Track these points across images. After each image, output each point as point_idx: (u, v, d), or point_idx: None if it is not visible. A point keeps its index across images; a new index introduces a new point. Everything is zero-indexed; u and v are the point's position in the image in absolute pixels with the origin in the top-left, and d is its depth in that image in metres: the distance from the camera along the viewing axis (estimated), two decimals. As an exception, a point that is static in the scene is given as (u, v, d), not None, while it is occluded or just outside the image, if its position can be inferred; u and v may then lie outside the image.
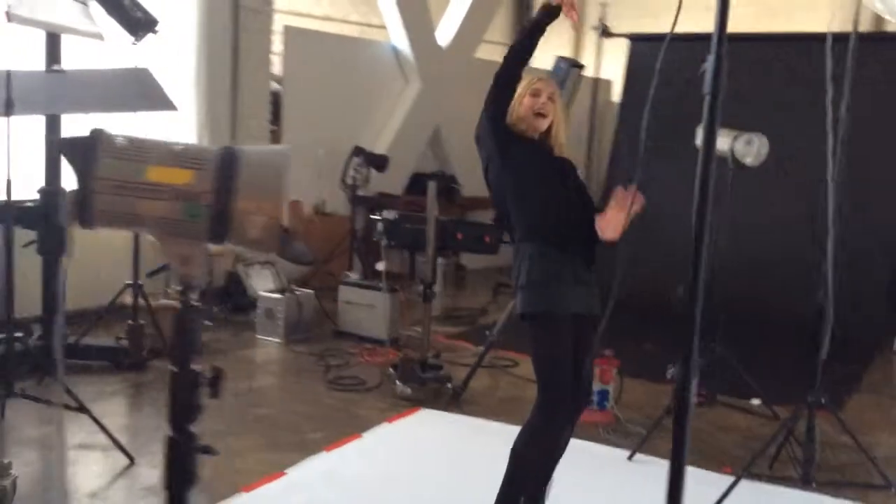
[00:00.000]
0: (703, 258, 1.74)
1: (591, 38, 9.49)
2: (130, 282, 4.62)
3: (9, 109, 3.34)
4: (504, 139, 2.93)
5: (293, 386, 4.94)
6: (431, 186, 4.60)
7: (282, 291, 5.72)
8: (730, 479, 3.54)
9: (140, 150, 1.15)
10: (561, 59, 7.25)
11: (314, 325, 5.88)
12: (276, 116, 7.25)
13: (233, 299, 6.13)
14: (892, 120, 6.50)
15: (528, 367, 3.43)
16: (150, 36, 3.89)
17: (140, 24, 3.76)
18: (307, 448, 3.87)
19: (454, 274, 7.86)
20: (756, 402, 4.73)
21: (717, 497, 3.43)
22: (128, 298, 4.81)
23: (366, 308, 5.65)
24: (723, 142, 4.06)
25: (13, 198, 4.94)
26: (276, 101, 7.24)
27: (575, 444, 4.06)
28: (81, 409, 3.61)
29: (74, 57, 4.75)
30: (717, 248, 4.16)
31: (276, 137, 7.26)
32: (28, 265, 4.90)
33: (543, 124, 2.96)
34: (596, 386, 4.55)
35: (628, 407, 4.63)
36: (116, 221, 1.18)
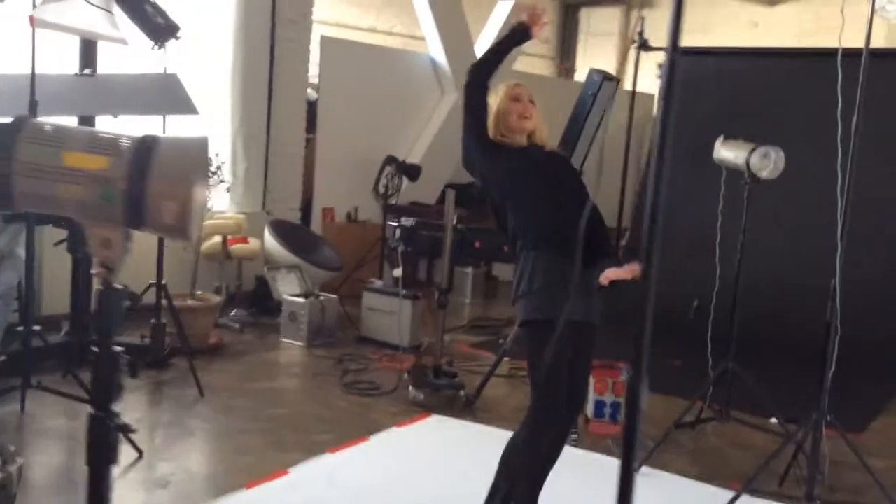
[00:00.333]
0: (656, 246, 1.75)
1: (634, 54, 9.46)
2: (154, 282, 4.74)
3: (33, 111, 3.47)
4: (495, 154, 2.95)
5: (309, 388, 5.00)
6: (450, 194, 4.65)
7: (306, 296, 5.80)
8: (744, 498, 3.49)
9: (59, 137, 1.20)
10: (594, 71, 7.25)
11: (338, 330, 5.95)
12: (312, 125, 7.37)
13: (260, 303, 6.24)
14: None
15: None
16: (173, 41, 4.01)
17: (161, 30, 3.88)
18: (314, 449, 3.92)
19: (484, 284, 7.86)
20: (775, 420, 4.65)
21: (717, 512, 3.39)
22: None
23: (388, 314, 5.70)
24: (739, 155, 4.02)
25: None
26: (312, 109, 7.37)
27: (581, 455, 4.09)
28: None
29: (120, 62, 4.90)
30: (738, 262, 4.13)
31: (311, 146, 7.38)
32: (58, 263, 5.08)
33: (530, 125, 2.98)
34: (608, 398, 4.53)
35: (645, 421, 4.57)
36: (36, 204, 1.23)
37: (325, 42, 7.38)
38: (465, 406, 4.67)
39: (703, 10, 10.87)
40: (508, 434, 3.98)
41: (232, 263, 6.25)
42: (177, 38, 4.00)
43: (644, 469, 3.95)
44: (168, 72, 4.43)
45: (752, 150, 3.99)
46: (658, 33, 9.07)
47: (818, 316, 3.45)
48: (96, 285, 1.33)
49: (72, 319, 5.01)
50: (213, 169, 5.57)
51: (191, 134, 1.30)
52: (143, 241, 4.82)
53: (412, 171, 7.34)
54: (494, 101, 2.98)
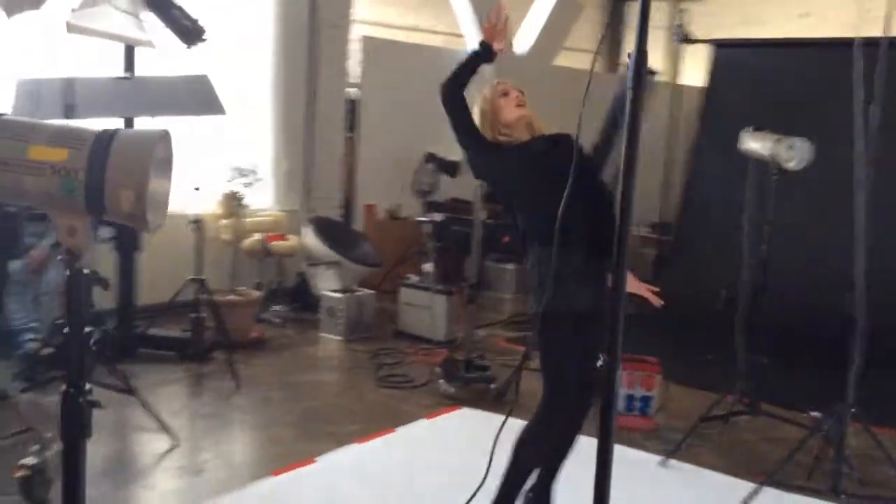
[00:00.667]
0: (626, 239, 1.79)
1: (689, 47, 9.35)
2: (193, 277, 4.89)
3: (69, 113, 3.64)
4: (496, 155, 2.96)
5: (344, 381, 5.11)
6: (477, 189, 4.69)
7: (344, 291, 5.91)
8: (767, 490, 3.47)
9: (25, 131, 1.29)
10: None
11: (375, 325, 6.05)
12: (353, 123, 7.49)
13: (301, 299, 6.37)
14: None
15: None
16: (202, 44, 4.14)
17: (189, 33, 4.02)
18: (343, 440, 4.01)
19: (525, 279, 7.88)
20: (816, 413, 4.58)
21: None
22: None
23: (423, 309, 5.77)
24: (765, 146, 3.98)
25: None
26: (353, 108, 7.49)
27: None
28: (130, 391, 3.87)
29: (166, 64, 5.04)
30: (765, 253, 4.09)
31: (351, 144, 7.50)
32: (106, 260, 5.27)
33: (526, 112, 2.99)
34: (638, 392, 4.53)
35: (676, 415, 4.57)
36: (6, 195, 1.32)
37: (366, 42, 7.49)
38: (495, 399, 4.71)
39: (755, 2, 10.72)
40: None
41: (273, 260, 6.40)
42: (204, 40, 4.13)
43: (671, 462, 3.95)
44: (200, 73, 4.57)
45: (778, 141, 3.95)
46: (704, 26, 8.99)
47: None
48: (67, 272, 1.41)
49: (119, 314, 5.20)
50: (249, 168, 5.71)
51: (151, 129, 1.37)
52: (183, 239, 5.02)
53: (452, 168, 7.39)
54: (483, 104, 3.00)
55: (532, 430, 2.95)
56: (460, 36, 8.53)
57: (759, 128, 4.12)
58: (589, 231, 2.90)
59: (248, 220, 6.10)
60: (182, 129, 5.01)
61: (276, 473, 3.59)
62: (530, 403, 4.71)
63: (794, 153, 3.88)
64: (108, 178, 1.25)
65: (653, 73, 7.47)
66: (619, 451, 4.17)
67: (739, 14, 10.90)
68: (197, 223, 4.83)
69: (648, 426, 4.46)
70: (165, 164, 1.38)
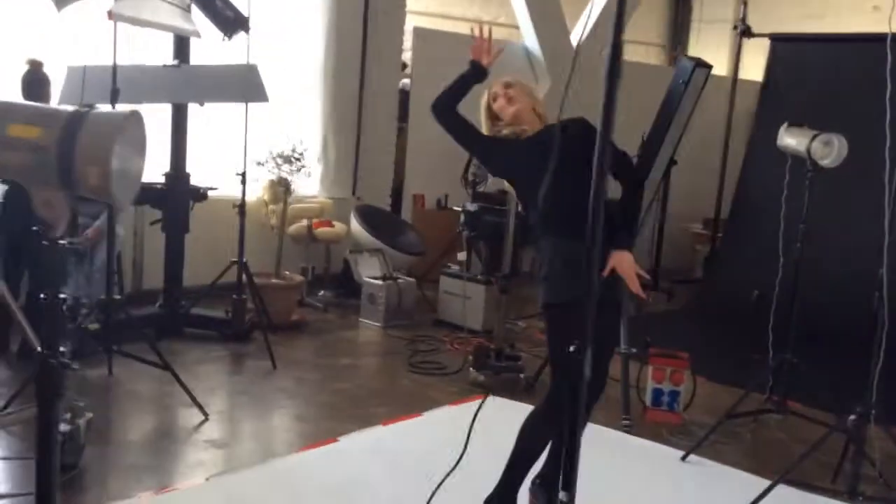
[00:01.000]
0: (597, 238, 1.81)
1: (753, 42, 9.17)
2: (235, 259, 5.05)
3: (113, 98, 3.80)
4: (507, 151, 3.01)
5: (378, 366, 5.21)
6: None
7: (385, 279, 6.01)
8: (785, 489, 3.44)
9: (5, 111, 1.40)
10: (685, 58, 7.12)
11: (415, 313, 6.13)
12: (405, 114, 7.58)
13: (346, 284, 6.50)
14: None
15: (615, 365, 3.53)
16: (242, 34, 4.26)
17: (231, 23, 4.14)
18: (370, 421, 4.10)
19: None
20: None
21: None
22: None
23: (462, 298, 5.83)
24: (800, 142, 3.91)
25: (143, 180, 5.55)
26: (406, 98, 7.57)
27: (629, 442, 4.10)
28: (165, 367, 4.03)
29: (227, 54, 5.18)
30: (799, 251, 4.02)
31: (403, 134, 7.59)
32: (158, 241, 5.48)
33: (513, 108, 3.02)
34: (666, 387, 4.51)
35: (706, 411, 4.54)
36: None
37: (418, 33, 7.56)
38: (525, 389, 4.75)
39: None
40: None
41: (319, 246, 6.53)
42: (246, 30, 4.26)
43: (692, 458, 3.93)
44: (250, 63, 4.70)
45: (814, 137, 3.88)
46: (768, 20, 8.79)
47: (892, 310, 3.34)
48: (43, 241, 1.50)
49: (165, 294, 5.40)
50: (296, 155, 5.84)
51: (121, 111, 1.46)
52: (229, 222, 5.18)
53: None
54: (484, 112, 3.10)
55: (538, 415, 2.98)
56: (512, 27, 8.54)
57: (796, 123, 4.05)
58: (582, 218, 2.91)
59: (294, 206, 6.24)
60: (230, 115, 5.22)
61: (300, 450, 3.70)
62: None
63: (829, 150, 3.81)
64: (76, 156, 1.34)
65: (705, 66, 7.32)
66: (641, 445, 4.21)
67: (804, 8, 10.65)
68: (240, 207, 4.97)
69: (676, 421, 4.44)
70: (137, 144, 1.47)
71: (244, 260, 5.07)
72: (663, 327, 6.44)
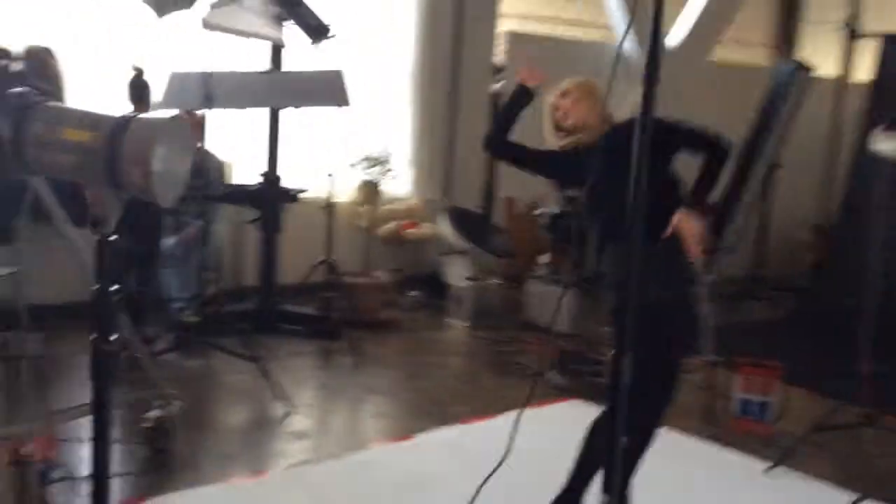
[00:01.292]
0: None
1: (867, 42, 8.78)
2: (323, 259, 5.21)
3: (208, 103, 3.99)
4: (576, 162, 2.93)
5: (460, 366, 5.26)
6: (589, 180, 4.68)
7: (472, 280, 6.06)
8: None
9: (58, 115, 1.52)
10: (784, 60, 6.90)
11: (503, 314, 6.15)
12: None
13: (435, 285, 6.58)
14: None
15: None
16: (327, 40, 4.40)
17: (315, 30, 4.28)
18: (447, 420, 4.16)
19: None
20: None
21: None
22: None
23: (548, 300, 5.81)
24: (890, 144, 3.75)
25: (240, 182, 5.79)
26: (498, 102, 7.61)
27: (712, 452, 4.01)
28: (253, 359, 4.19)
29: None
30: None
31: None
32: (249, 240, 5.69)
33: (570, 122, 2.97)
34: (755, 397, 4.38)
35: (801, 423, 4.37)
36: (45, 169, 1.54)
37: (511, 37, 7.58)
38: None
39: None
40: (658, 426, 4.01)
41: (410, 247, 6.64)
42: (330, 37, 4.39)
43: (777, 470, 3.81)
44: (336, 68, 4.84)
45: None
46: (883, 20, 8.40)
47: None
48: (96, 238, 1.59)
49: (261, 291, 5.61)
50: (383, 157, 5.97)
51: (164, 116, 1.56)
52: (319, 223, 5.34)
53: (592, 163, 7.37)
54: (546, 122, 3.04)
55: (599, 420, 2.96)
56: (609, 28, 8.44)
57: (892, 126, 3.88)
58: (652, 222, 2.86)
59: (385, 207, 6.37)
60: (324, 119, 5.39)
61: (373, 446, 3.79)
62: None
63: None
64: (121, 157, 1.45)
65: (806, 68, 7.10)
66: (725, 456, 4.11)
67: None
68: (329, 208, 5.12)
69: (765, 432, 4.30)
70: (182, 146, 1.56)
71: (333, 259, 5.22)
72: (764, 336, 6.29)
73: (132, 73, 4.77)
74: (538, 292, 6.00)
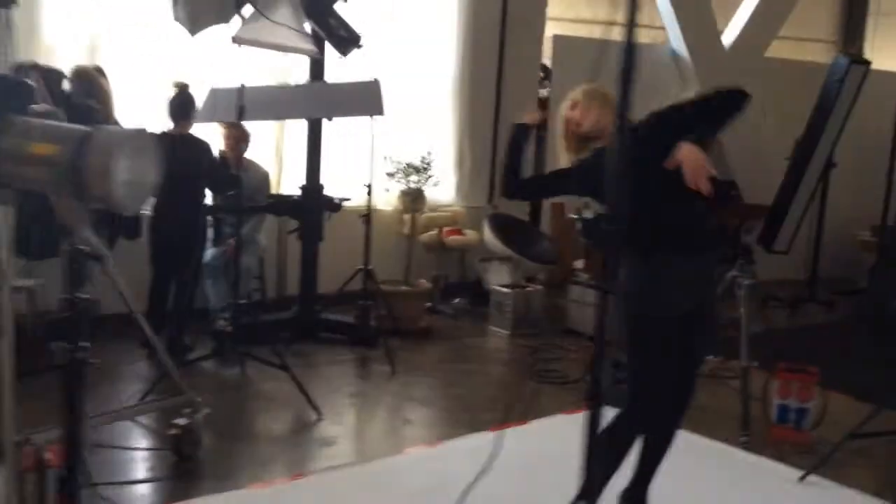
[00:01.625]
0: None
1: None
2: (361, 267, 5.26)
3: (240, 115, 4.08)
4: (586, 177, 2.87)
5: (498, 373, 5.25)
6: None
7: (513, 287, 6.04)
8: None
9: (26, 130, 1.57)
10: (841, 54, 6.69)
11: (544, 321, 6.11)
12: (544, 123, 7.55)
13: (477, 292, 6.58)
14: None
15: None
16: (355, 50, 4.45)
17: (344, 41, 4.33)
18: (479, 427, 4.14)
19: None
20: None
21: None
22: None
23: (589, 307, 5.75)
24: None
25: (282, 192, 5.90)
26: (545, 107, 7.56)
27: (746, 459, 3.91)
28: (283, 367, 4.26)
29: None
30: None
31: (542, 144, 7.57)
32: (296, 249, 5.78)
33: (585, 128, 2.92)
34: (792, 403, 4.25)
35: (838, 429, 4.23)
36: (18, 182, 1.60)
37: (557, 40, 7.54)
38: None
39: None
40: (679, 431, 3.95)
41: (453, 254, 6.66)
42: (359, 47, 4.43)
43: (813, 478, 3.69)
44: (373, 79, 4.90)
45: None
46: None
47: None
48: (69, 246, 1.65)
49: (301, 299, 5.70)
50: (423, 165, 6.00)
51: (128, 128, 1.61)
52: (360, 231, 5.40)
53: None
54: (562, 128, 2.99)
55: (617, 421, 2.93)
56: (660, 28, 8.32)
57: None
58: (675, 227, 2.82)
59: (428, 214, 6.40)
60: (362, 127, 5.45)
61: (401, 453, 3.81)
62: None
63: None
64: (84, 169, 1.50)
65: (862, 62, 6.91)
66: (758, 463, 4.01)
67: None
68: (366, 216, 5.18)
69: (802, 440, 4.18)
70: (148, 158, 1.61)
71: (370, 267, 5.27)
72: (817, 340, 6.11)
73: (175, 90, 4.93)
74: (578, 298, 5.95)
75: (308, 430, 4.07)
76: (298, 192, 5.60)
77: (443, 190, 6.68)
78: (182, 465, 3.54)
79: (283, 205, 5.61)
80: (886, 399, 4.22)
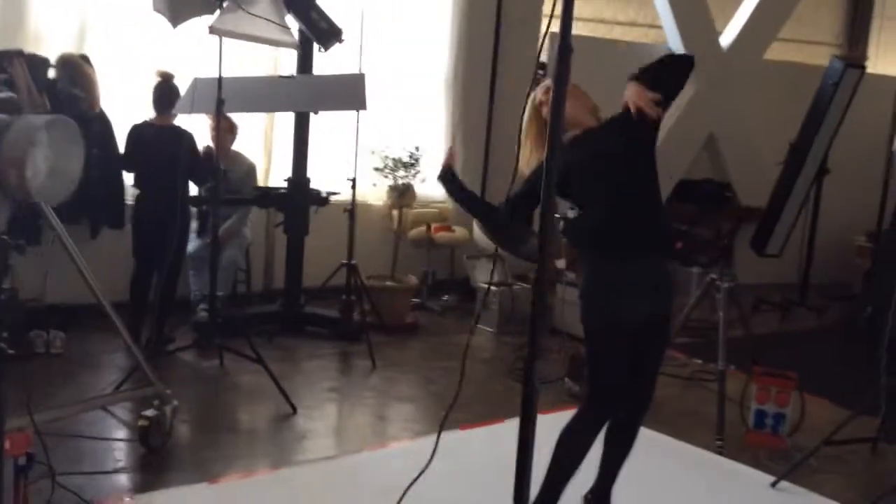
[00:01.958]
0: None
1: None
2: (345, 262, 5.24)
3: (220, 108, 4.07)
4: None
5: (477, 371, 5.21)
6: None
7: (499, 285, 6.02)
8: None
9: None
10: (836, 58, 6.64)
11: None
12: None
13: (466, 289, 6.56)
14: None
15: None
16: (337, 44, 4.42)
17: (325, 34, 4.30)
18: (450, 425, 4.10)
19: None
20: None
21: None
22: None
23: (573, 306, 5.71)
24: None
25: (269, 185, 5.89)
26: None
27: (719, 464, 3.89)
28: (258, 360, 4.25)
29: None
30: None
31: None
32: (284, 243, 5.77)
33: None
34: (770, 408, 4.22)
35: (815, 435, 4.20)
36: None
37: (554, 38, 7.48)
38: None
39: None
40: (653, 435, 3.94)
41: (442, 250, 6.63)
42: (341, 41, 4.40)
43: (785, 485, 3.66)
44: (358, 73, 4.88)
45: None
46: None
47: None
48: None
49: (286, 293, 5.69)
50: (411, 161, 5.98)
51: (41, 119, 1.58)
52: (341, 227, 5.38)
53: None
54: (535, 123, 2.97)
55: (573, 425, 2.92)
56: (657, 27, 8.26)
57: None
58: (628, 230, 2.78)
59: (416, 210, 6.38)
60: (350, 121, 5.43)
61: (371, 449, 3.80)
62: (660, 410, 4.58)
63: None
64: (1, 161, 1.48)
65: (857, 66, 6.84)
66: (731, 468, 3.98)
67: None
68: (350, 211, 5.16)
69: (778, 445, 4.15)
70: (70, 147, 1.59)
71: (354, 262, 5.26)
72: (807, 344, 6.09)
73: (158, 79, 4.92)
74: (567, 298, 5.91)
75: (284, 423, 4.06)
76: (284, 185, 5.59)
77: (431, 185, 6.65)
78: (150, 456, 3.53)
79: (268, 197, 5.60)
80: (862, 405, 4.19)
